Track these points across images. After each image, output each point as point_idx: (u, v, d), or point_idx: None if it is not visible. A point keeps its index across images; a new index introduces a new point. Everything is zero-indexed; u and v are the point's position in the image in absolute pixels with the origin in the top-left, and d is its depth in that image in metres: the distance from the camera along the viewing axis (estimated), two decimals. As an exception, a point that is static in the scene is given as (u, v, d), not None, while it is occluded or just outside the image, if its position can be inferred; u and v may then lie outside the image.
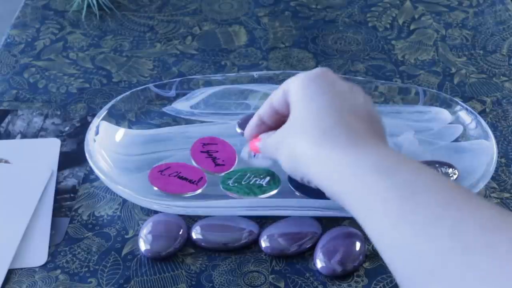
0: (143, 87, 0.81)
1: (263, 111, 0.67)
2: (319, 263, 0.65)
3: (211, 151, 0.75)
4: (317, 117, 0.58)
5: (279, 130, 0.63)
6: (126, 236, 0.69)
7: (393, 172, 0.52)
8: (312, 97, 0.59)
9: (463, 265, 0.44)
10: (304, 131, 0.58)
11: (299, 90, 0.61)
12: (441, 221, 0.47)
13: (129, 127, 0.78)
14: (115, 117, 0.77)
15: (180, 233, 0.68)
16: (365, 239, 0.67)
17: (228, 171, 0.73)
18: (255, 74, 0.81)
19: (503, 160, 0.76)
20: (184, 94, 0.81)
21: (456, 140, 0.75)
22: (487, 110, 0.83)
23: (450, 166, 0.72)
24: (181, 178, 0.71)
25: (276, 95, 0.64)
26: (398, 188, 0.50)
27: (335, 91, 0.60)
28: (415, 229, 0.48)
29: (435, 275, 0.46)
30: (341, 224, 0.69)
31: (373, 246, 0.67)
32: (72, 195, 0.73)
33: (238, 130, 0.77)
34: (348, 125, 0.57)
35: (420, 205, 0.49)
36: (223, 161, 0.74)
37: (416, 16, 0.98)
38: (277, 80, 0.80)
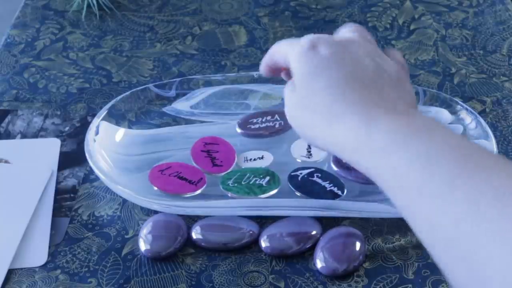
0: (143, 87, 0.81)
1: (268, 60, 0.64)
2: (319, 263, 0.65)
3: (211, 151, 0.74)
4: (322, 98, 0.56)
5: (287, 95, 0.60)
6: (126, 236, 0.69)
7: (404, 147, 0.51)
8: (313, 75, 0.57)
9: (479, 233, 0.44)
10: (311, 113, 0.56)
11: (299, 65, 0.58)
12: (455, 191, 0.47)
13: (129, 127, 0.78)
14: (115, 117, 0.77)
15: (180, 233, 0.68)
16: (365, 239, 0.67)
17: (227, 172, 0.73)
18: (255, 74, 0.81)
19: (503, 160, 0.76)
20: (184, 94, 0.81)
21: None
22: (487, 110, 0.83)
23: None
24: (181, 178, 0.71)
25: (278, 56, 0.62)
26: (412, 161, 0.50)
27: (336, 66, 0.56)
28: (431, 201, 0.48)
29: (453, 244, 0.46)
30: (341, 224, 0.69)
31: (373, 246, 0.68)
32: (72, 195, 0.73)
33: (238, 130, 0.77)
34: (353, 101, 0.55)
35: (434, 176, 0.48)
36: (221, 161, 0.74)
37: (416, 16, 0.98)
38: (277, 80, 0.80)
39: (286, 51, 0.60)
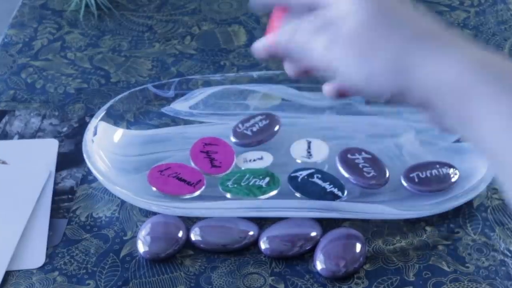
0: (141, 87, 0.81)
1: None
2: (319, 265, 0.65)
3: (210, 152, 0.74)
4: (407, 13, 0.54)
5: (350, 12, 0.53)
6: (124, 238, 0.69)
7: (482, 77, 0.48)
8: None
9: None
10: (395, 29, 0.53)
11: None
12: None
13: (128, 128, 0.78)
14: (114, 117, 0.77)
15: (179, 234, 0.67)
16: (366, 241, 0.67)
17: (226, 173, 0.72)
18: (255, 74, 0.81)
19: (504, 160, 0.76)
20: (183, 95, 0.81)
21: (458, 140, 0.75)
22: (488, 110, 0.82)
23: (451, 166, 0.71)
24: (180, 179, 0.71)
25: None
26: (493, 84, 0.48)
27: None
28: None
29: None
30: (342, 225, 0.69)
31: (373, 247, 0.67)
32: (70, 196, 0.73)
33: (233, 140, 0.76)
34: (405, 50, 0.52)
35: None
36: (220, 162, 0.73)
37: (417, 16, 0.97)
38: (277, 80, 0.80)
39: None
